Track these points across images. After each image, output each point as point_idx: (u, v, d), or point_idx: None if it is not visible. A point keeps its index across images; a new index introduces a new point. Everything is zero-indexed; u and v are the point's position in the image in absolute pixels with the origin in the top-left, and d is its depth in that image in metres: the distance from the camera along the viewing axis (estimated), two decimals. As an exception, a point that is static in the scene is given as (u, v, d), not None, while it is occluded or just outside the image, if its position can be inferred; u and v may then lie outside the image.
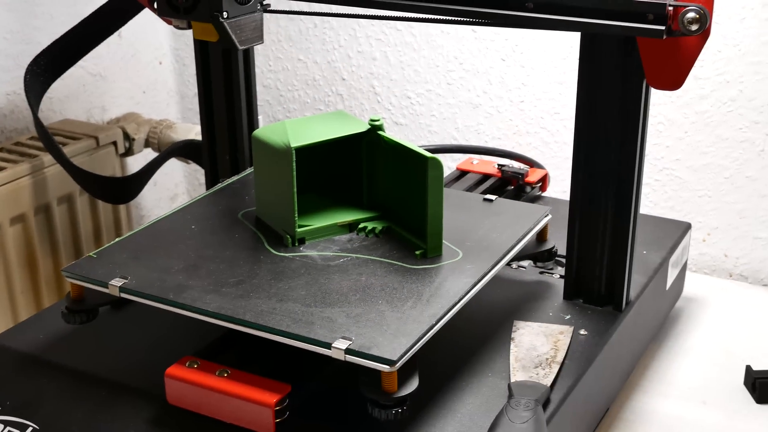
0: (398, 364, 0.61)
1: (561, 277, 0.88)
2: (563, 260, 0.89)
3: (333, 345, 0.62)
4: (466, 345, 0.77)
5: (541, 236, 0.86)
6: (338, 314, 0.66)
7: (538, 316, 0.82)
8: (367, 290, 0.70)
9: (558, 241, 0.90)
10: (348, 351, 0.62)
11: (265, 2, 0.87)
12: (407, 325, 0.65)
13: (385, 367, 0.61)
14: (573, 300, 0.84)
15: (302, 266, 0.73)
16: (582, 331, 0.79)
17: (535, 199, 1.06)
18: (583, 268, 0.84)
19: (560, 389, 0.72)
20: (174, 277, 0.71)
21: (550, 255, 0.87)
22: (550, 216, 0.83)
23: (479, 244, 0.77)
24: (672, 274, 0.96)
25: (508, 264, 0.83)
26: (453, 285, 0.71)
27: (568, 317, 0.81)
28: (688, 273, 1.03)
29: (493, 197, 0.86)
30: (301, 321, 0.65)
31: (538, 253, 0.86)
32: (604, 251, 0.82)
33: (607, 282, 0.83)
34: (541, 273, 0.89)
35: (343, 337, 0.63)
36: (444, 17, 0.80)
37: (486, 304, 0.82)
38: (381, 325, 0.65)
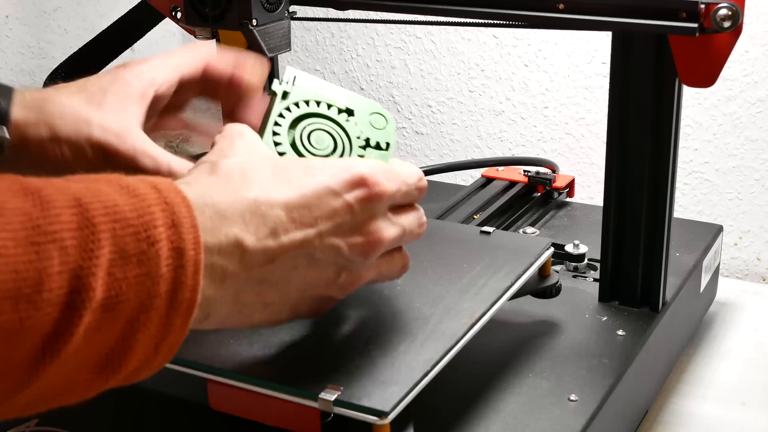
0: (391, 416, 0.57)
1: (595, 280, 0.87)
2: (595, 264, 0.89)
3: (320, 396, 0.58)
4: (503, 346, 0.77)
5: (543, 271, 0.79)
6: (325, 361, 0.62)
7: (574, 317, 0.81)
8: (355, 334, 0.65)
9: (589, 246, 0.90)
10: (337, 402, 0.58)
11: (291, 10, 0.87)
12: (400, 372, 0.61)
13: (375, 419, 0.57)
14: (609, 302, 0.84)
15: None
16: (620, 332, 0.79)
17: (562, 205, 1.05)
18: (619, 270, 0.83)
19: (601, 388, 0.71)
20: None
21: (555, 291, 0.81)
22: (552, 250, 0.78)
23: (476, 281, 0.72)
24: (705, 277, 0.95)
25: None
26: (449, 327, 0.66)
27: (604, 318, 0.81)
28: (720, 278, 1.02)
29: (490, 229, 0.80)
30: (285, 370, 0.61)
31: (540, 289, 0.79)
32: (639, 254, 0.82)
33: (643, 284, 0.82)
34: (575, 277, 0.89)
35: (331, 387, 0.59)
36: (475, 21, 0.80)
37: (521, 305, 0.82)
38: (371, 372, 0.61)
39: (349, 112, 0.67)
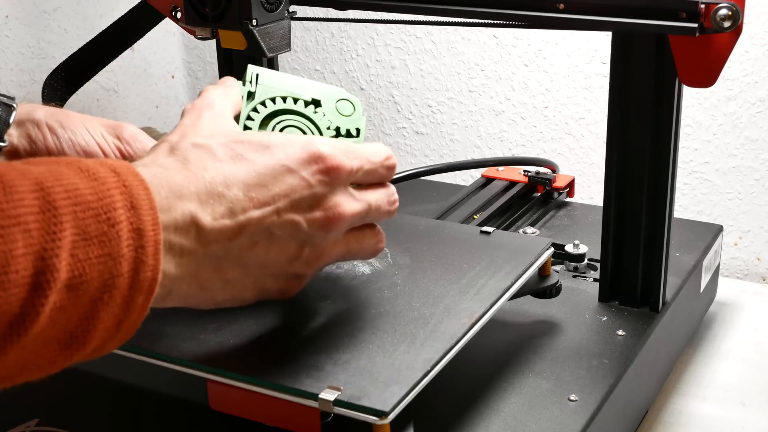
0: (391, 416, 0.57)
1: (595, 280, 0.87)
2: (595, 264, 0.89)
3: (320, 396, 0.58)
4: (503, 346, 0.77)
5: (543, 271, 0.79)
6: (325, 361, 0.62)
7: (574, 317, 0.81)
8: (356, 334, 0.65)
9: (590, 246, 0.90)
10: (337, 402, 0.58)
11: (291, 10, 0.87)
12: (400, 372, 0.61)
13: (375, 419, 0.57)
14: (609, 302, 0.84)
15: (285, 309, 0.69)
16: (620, 332, 0.79)
17: (562, 205, 1.05)
18: (619, 270, 0.83)
19: (601, 388, 0.71)
20: (148, 324, 0.62)
21: (555, 291, 0.82)
22: (552, 250, 0.78)
23: (476, 281, 0.71)
24: (705, 277, 0.95)
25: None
26: (449, 327, 0.66)
27: (604, 318, 0.81)
28: (720, 278, 1.02)
29: (490, 229, 0.80)
30: (284, 370, 0.61)
31: (540, 289, 0.79)
32: (639, 254, 0.82)
33: (643, 284, 0.82)
34: (575, 277, 0.89)
35: (331, 387, 0.59)
36: (475, 21, 0.80)
37: (521, 305, 0.82)
38: (371, 372, 0.61)
39: (316, 103, 0.67)
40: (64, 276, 0.44)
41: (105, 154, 0.70)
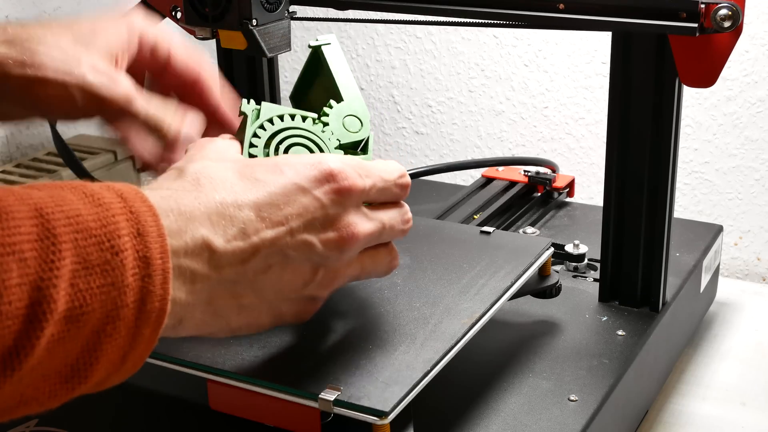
0: (391, 416, 0.57)
1: (595, 280, 0.87)
2: (595, 264, 0.89)
3: (320, 396, 0.59)
4: (503, 346, 0.77)
5: (543, 271, 0.79)
6: (325, 361, 0.62)
7: (574, 317, 0.81)
8: (355, 333, 0.65)
9: (590, 246, 0.90)
10: (337, 402, 0.58)
11: (291, 10, 0.87)
12: (400, 372, 0.61)
13: (375, 419, 0.57)
14: (609, 302, 0.84)
15: None
16: (620, 332, 0.79)
17: (562, 205, 1.05)
18: (619, 270, 0.83)
19: (601, 388, 0.71)
20: None
21: (555, 291, 0.81)
22: (552, 250, 0.78)
23: (476, 281, 0.71)
24: (705, 277, 0.95)
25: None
26: (449, 327, 0.66)
27: (604, 318, 0.81)
28: (720, 278, 1.02)
29: (490, 229, 0.80)
30: (284, 370, 0.61)
31: (540, 289, 0.79)
32: (639, 254, 0.82)
33: (643, 284, 0.82)
34: (575, 277, 0.89)
35: (331, 387, 0.59)
36: (475, 21, 0.80)
37: (521, 305, 0.82)
38: (371, 372, 0.61)
39: (323, 121, 0.67)
40: (63, 307, 0.42)
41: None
